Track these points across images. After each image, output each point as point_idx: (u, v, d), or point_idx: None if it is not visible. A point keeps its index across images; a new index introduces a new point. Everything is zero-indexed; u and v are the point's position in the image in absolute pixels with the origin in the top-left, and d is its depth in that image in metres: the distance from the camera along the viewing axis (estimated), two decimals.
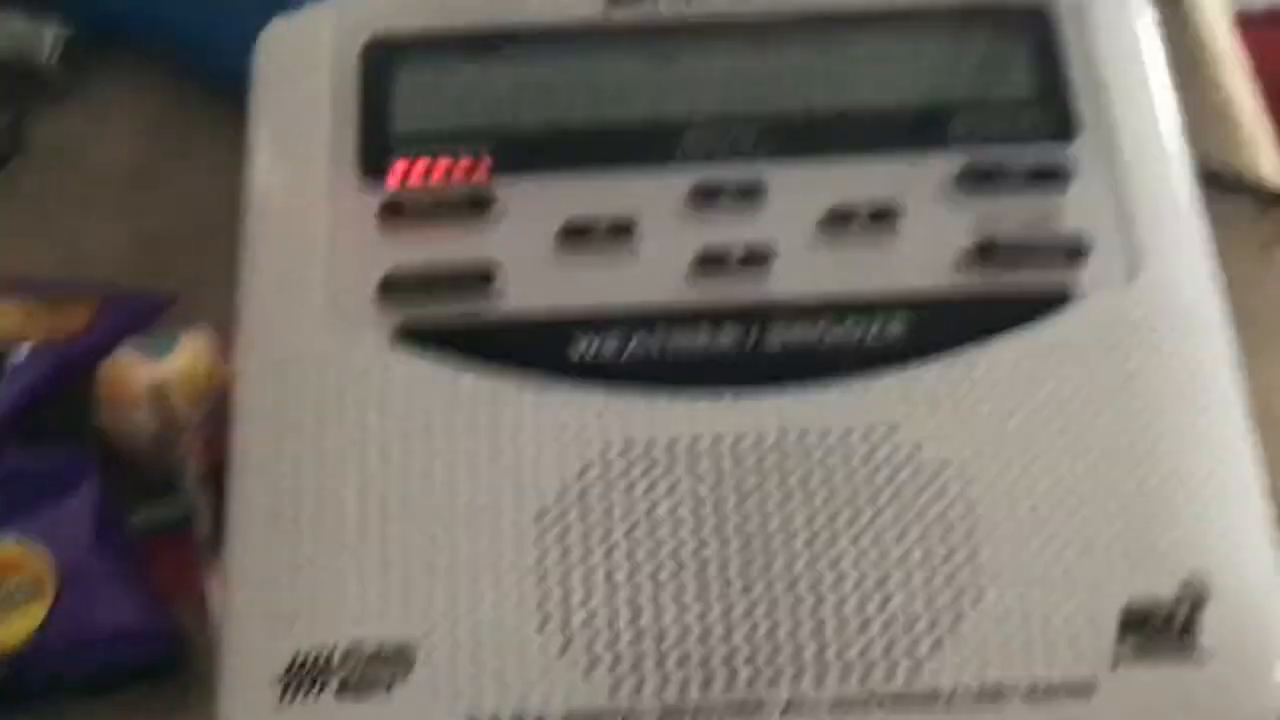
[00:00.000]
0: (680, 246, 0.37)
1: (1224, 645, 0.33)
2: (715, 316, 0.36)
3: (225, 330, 0.39)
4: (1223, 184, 0.53)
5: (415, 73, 0.40)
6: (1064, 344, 0.36)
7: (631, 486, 0.34)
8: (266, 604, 0.34)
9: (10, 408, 0.46)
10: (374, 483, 0.34)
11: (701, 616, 0.33)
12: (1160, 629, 0.33)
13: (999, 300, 0.36)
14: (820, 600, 0.33)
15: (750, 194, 0.37)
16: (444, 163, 0.38)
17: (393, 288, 0.36)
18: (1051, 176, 0.38)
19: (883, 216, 0.37)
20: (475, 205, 0.37)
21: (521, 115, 0.39)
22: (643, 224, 0.37)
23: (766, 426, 0.35)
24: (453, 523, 0.34)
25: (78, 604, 0.42)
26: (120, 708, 0.42)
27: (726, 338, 0.36)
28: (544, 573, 0.33)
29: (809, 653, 0.33)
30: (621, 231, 0.37)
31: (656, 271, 0.37)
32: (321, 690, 0.33)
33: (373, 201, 0.38)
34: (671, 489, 0.34)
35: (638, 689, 0.33)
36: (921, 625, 0.33)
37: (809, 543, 0.34)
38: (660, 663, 0.33)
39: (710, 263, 0.37)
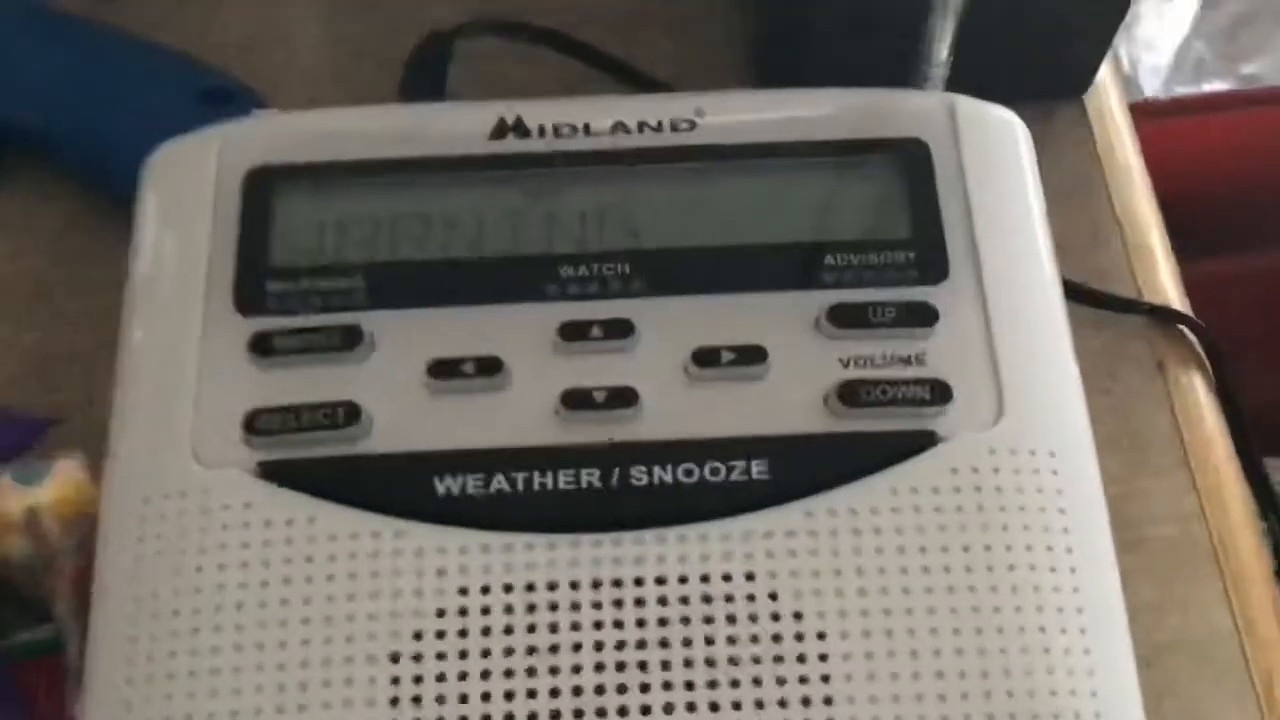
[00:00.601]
0: (548, 385, 0.37)
1: None
2: (579, 458, 0.36)
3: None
4: (1116, 303, 0.54)
5: (294, 204, 0.40)
6: (927, 487, 0.36)
7: (488, 630, 0.34)
8: None
9: None
10: (229, 619, 0.34)
11: None
12: None
13: (863, 442, 0.36)
14: None
15: (619, 332, 0.38)
16: (316, 297, 0.38)
17: (258, 424, 0.36)
18: (919, 318, 0.38)
19: (749, 356, 0.37)
20: (345, 340, 0.37)
21: (396, 249, 0.39)
22: (511, 361, 0.37)
23: (624, 572, 0.35)
24: (308, 661, 0.34)
25: None
26: None
27: (589, 479, 0.36)
28: (398, 716, 0.33)
29: None
30: (490, 369, 0.37)
31: (523, 410, 0.37)
32: None
33: (245, 334, 0.38)
34: (529, 632, 0.34)
35: None
36: None
37: (665, 687, 0.34)
38: None
39: (577, 402, 0.37)
